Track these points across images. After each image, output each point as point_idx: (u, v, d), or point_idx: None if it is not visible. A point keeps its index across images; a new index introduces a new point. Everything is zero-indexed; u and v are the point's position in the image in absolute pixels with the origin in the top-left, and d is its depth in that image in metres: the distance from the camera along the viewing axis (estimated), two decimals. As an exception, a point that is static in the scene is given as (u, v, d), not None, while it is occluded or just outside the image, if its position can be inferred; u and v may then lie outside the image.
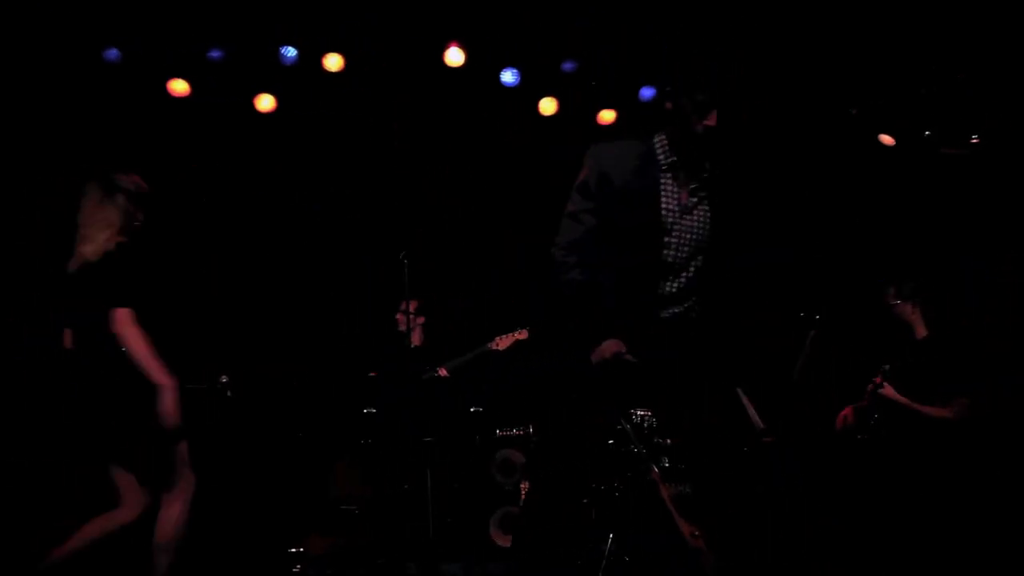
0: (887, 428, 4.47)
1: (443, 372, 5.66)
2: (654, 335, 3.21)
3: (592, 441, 3.32)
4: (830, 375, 5.14)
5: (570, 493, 3.35)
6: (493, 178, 6.51)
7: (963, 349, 4.50)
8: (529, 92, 6.14)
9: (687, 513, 4.76)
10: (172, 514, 3.72)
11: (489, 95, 6.14)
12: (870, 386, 4.46)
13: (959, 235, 5.88)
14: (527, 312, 5.84)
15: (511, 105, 6.21)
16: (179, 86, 5.87)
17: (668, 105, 3.31)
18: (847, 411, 4.71)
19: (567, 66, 6.07)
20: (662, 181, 3.27)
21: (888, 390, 4.41)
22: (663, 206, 3.25)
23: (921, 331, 4.58)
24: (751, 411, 5.10)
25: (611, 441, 3.85)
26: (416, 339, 5.90)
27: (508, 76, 6.01)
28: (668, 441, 5.16)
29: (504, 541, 5.63)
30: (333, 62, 5.89)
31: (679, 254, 3.27)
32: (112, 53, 5.67)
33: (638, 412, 5.22)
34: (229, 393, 5.41)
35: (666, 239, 3.24)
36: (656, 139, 3.34)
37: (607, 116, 6.37)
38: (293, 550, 5.29)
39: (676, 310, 3.27)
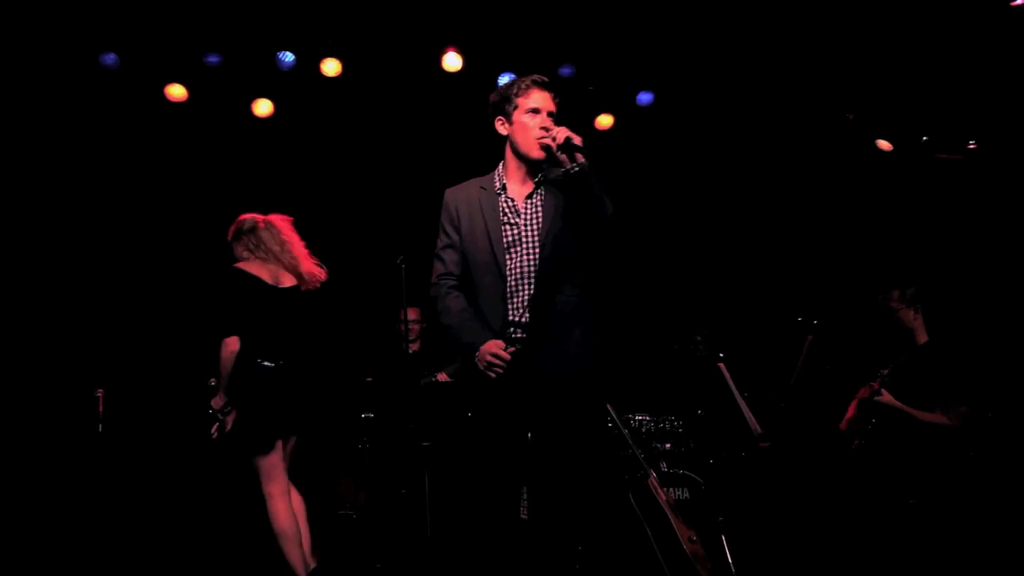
0: (885, 434, 4.45)
1: (443, 377, 5.66)
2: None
3: (497, 446, 3.34)
4: (827, 380, 5.14)
5: (565, 499, 3.32)
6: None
7: (963, 355, 4.48)
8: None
9: (684, 517, 4.77)
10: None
11: (486, 100, 6.13)
12: (867, 391, 4.44)
13: (957, 240, 5.89)
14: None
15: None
16: (176, 91, 5.87)
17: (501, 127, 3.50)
18: (850, 414, 4.70)
19: (564, 71, 6.09)
20: (500, 203, 3.42)
21: (886, 396, 4.39)
22: (503, 224, 3.39)
23: (922, 337, 4.57)
24: (748, 415, 5.10)
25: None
26: (414, 344, 5.91)
27: (506, 81, 6.01)
28: (667, 446, 5.18)
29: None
30: (331, 67, 5.90)
31: (524, 266, 3.34)
32: (110, 58, 5.67)
33: (636, 417, 5.25)
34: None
35: (508, 252, 3.36)
36: (498, 167, 3.51)
37: (605, 121, 6.39)
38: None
39: (531, 319, 3.31)
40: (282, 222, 4.48)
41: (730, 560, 4.63)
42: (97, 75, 5.72)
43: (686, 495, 4.92)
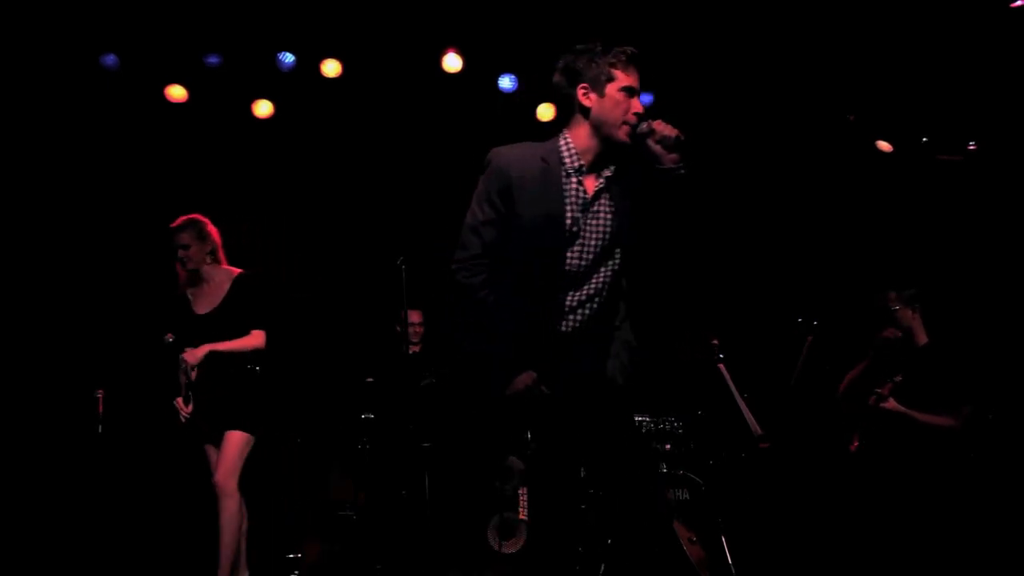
0: (885, 435, 4.44)
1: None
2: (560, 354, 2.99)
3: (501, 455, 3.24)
4: (828, 380, 5.14)
5: (565, 500, 3.30)
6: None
7: (965, 356, 4.46)
8: (527, 98, 6.15)
9: (685, 518, 4.77)
10: None
11: (487, 101, 6.15)
12: (872, 399, 4.40)
13: (957, 241, 5.89)
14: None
15: (509, 111, 6.21)
16: (177, 92, 5.87)
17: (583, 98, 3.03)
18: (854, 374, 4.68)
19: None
20: (566, 183, 2.97)
21: (891, 403, 4.35)
22: (568, 211, 2.94)
23: (922, 338, 4.55)
24: (748, 416, 5.10)
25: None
26: (415, 346, 5.91)
27: (506, 82, 6.01)
28: (667, 447, 5.18)
29: (501, 547, 5.62)
30: (331, 68, 5.90)
31: (583, 261, 2.97)
32: (110, 59, 5.67)
33: (636, 418, 5.24)
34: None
35: (570, 246, 2.94)
36: (561, 139, 3.07)
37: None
38: (291, 556, 5.29)
39: (579, 319, 3.00)
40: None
41: (730, 560, 4.63)
42: (97, 76, 5.72)
43: (686, 496, 4.92)
